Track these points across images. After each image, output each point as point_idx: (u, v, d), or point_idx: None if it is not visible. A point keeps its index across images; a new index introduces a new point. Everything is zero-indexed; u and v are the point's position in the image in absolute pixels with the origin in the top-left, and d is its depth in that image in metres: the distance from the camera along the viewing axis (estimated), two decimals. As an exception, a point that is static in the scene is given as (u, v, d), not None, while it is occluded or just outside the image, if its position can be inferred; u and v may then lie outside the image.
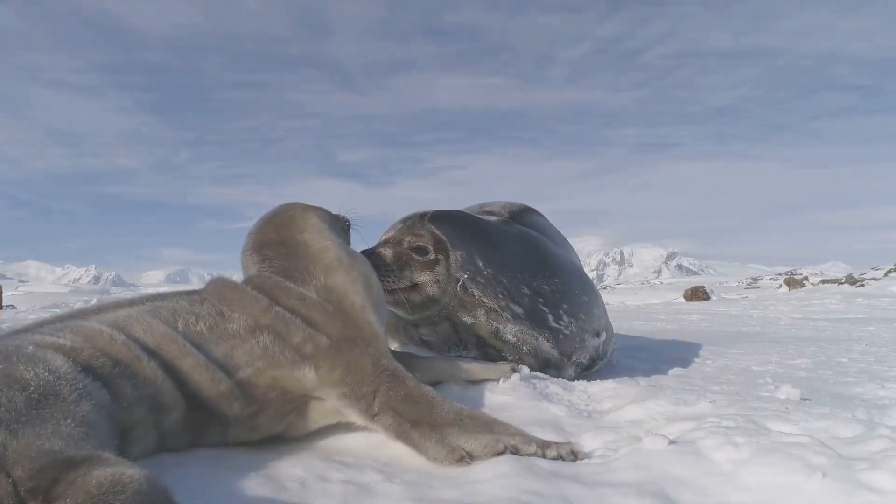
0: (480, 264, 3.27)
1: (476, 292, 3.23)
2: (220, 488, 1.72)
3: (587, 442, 2.24)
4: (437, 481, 1.85)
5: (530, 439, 2.07)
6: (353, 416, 2.19)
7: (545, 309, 3.32)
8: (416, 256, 3.28)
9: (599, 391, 2.99)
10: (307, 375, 2.15)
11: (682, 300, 20.92)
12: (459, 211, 3.61)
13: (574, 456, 2.05)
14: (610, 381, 3.20)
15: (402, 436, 2.09)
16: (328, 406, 2.23)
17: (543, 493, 1.69)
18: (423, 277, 3.26)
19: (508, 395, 2.69)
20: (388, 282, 3.18)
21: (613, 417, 2.54)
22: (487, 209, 4.08)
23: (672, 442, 2.01)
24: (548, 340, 3.31)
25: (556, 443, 2.09)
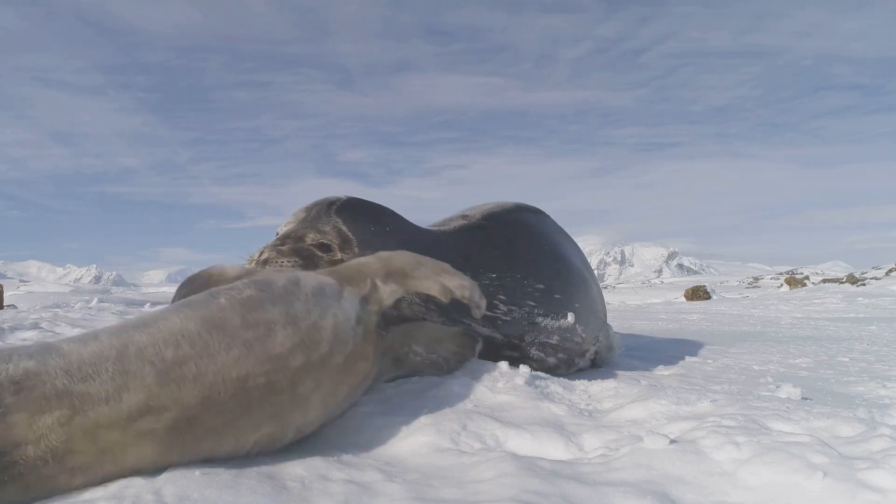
0: None
1: None
2: (220, 487, 1.72)
3: (588, 441, 2.24)
4: (437, 481, 1.85)
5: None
6: None
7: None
8: (319, 253, 2.99)
9: (600, 390, 2.99)
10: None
11: (683, 299, 20.92)
12: (373, 203, 3.39)
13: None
14: (611, 380, 3.20)
15: None
16: None
17: (544, 493, 1.69)
18: None
19: (509, 395, 2.69)
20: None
21: (614, 417, 2.54)
22: (465, 213, 4.11)
23: (673, 441, 2.01)
24: (484, 326, 3.39)
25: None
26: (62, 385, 1.65)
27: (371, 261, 2.57)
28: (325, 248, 3.01)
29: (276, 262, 2.90)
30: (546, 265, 3.96)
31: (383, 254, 2.65)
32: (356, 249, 3.03)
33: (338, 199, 3.21)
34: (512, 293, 3.59)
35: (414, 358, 2.98)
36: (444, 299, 2.65)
